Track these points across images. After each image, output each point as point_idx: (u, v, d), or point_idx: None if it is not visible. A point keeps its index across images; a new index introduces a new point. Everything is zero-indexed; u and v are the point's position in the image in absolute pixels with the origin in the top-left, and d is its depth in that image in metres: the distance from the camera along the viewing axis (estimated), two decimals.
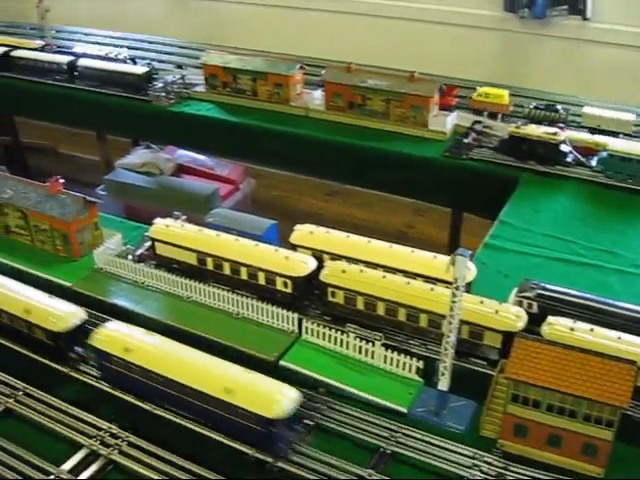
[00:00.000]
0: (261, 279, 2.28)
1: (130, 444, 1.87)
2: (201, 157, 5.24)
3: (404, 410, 1.99)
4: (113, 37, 5.35)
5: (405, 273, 2.28)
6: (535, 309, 2.17)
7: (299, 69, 3.99)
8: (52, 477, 1.80)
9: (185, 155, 5.24)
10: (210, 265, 2.35)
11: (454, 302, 1.81)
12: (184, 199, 4.67)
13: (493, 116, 3.72)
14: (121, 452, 1.86)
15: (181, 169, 5.10)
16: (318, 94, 3.98)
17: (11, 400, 2.04)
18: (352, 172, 3.89)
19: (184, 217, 2.57)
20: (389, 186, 3.93)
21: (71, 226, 2.52)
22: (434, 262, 2.30)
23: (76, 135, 6.43)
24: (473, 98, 3.77)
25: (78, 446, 1.89)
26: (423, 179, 3.64)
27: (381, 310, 2.19)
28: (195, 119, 4.02)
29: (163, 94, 4.09)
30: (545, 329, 2.01)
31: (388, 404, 2.01)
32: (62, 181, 2.60)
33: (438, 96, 3.76)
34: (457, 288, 1.78)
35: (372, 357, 2.13)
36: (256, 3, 5.63)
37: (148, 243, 2.54)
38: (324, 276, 2.22)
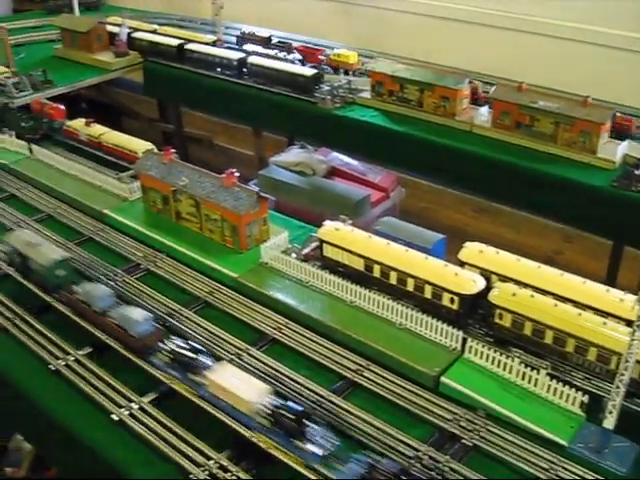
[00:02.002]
0: (427, 292, 2.26)
1: None
2: (353, 161, 5.26)
3: (564, 443, 1.94)
4: (279, 37, 5.43)
5: (575, 303, 2.21)
6: None
7: (468, 83, 3.94)
8: None
9: (338, 158, 5.28)
10: (377, 272, 2.35)
11: (634, 340, 1.74)
12: (335, 202, 4.69)
13: None
14: None
15: (333, 172, 5.14)
16: (484, 110, 3.93)
17: None
18: (507, 192, 3.81)
19: (350, 222, 2.58)
20: (543, 209, 3.83)
21: (242, 219, 2.58)
22: (607, 295, 2.22)
23: (232, 128, 6.60)
24: None
25: None
26: (584, 206, 3.52)
27: (549, 338, 2.13)
28: (358, 124, 4.04)
29: (329, 97, 4.13)
30: None
31: (548, 435, 1.96)
32: (237, 175, 2.67)
33: (610, 123, 3.64)
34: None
35: (535, 385, 2.07)
36: (422, 13, 5.60)
37: (314, 243, 2.56)
38: (493, 297, 2.18)
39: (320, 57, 4.68)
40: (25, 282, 2.58)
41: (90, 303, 2.30)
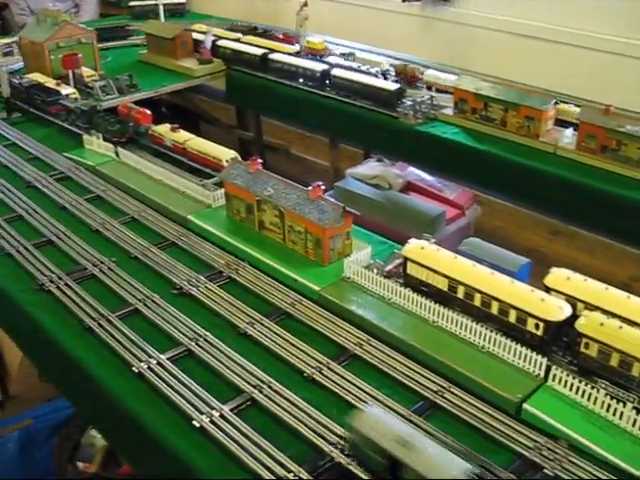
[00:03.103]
0: (512, 317, 2.23)
1: None
2: (429, 177, 5.25)
3: None
4: (360, 49, 5.45)
5: None
6: None
7: (553, 104, 3.89)
8: None
9: (414, 173, 5.27)
10: (461, 293, 2.33)
11: None
12: (410, 217, 4.69)
13: None
14: None
15: (409, 186, 5.13)
16: (569, 132, 3.87)
17: None
18: (587, 215, 3.75)
19: (433, 240, 2.56)
20: (624, 235, 3.76)
21: (327, 232, 2.59)
22: None
23: (307, 138, 6.64)
24: None
25: None
26: None
27: (636, 371, 2.08)
28: (440, 141, 4.03)
29: (411, 112, 4.13)
30: None
31: (632, 470, 1.91)
32: (323, 187, 2.68)
33: None
34: None
35: (620, 418, 2.03)
36: (507, 31, 5.56)
37: (397, 260, 2.56)
38: (580, 325, 2.15)
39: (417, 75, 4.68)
40: None
41: None
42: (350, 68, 4.71)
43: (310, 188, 2.66)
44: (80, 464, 3.81)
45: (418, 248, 2.44)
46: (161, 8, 6.45)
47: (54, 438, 4.09)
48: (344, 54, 5.17)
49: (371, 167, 5.15)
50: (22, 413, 4.21)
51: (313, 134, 6.54)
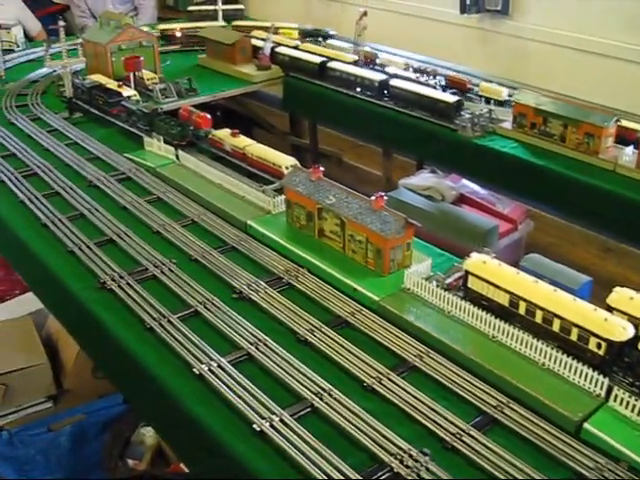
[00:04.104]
0: (573, 335, 2.23)
1: None
2: (482, 190, 5.24)
3: None
4: (418, 60, 5.45)
5: None
6: None
7: (614, 122, 3.86)
8: None
9: (467, 186, 5.27)
10: (522, 309, 2.32)
11: None
12: (462, 230, 4.69)
13: None
14: None
15: (462, 199, 5.13)
16: (629, 150, 3.84)
17: None
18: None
19: (493, 255, 2.56)
20: None
21: (388, 242, 2.60)
22: None
23: (359, 147, 6.67)
24: None
25: None
26: None
27: None
28: (498, 155, 4.01)
29: (469, 125, 4.12)
30: None
31: None
32: (385, 198, 2.70)
33: None
34: None
35: None
36: (565, 45, 5.52)
37: (458, 274, 2.56)
38: None
39: (469, 86, 4.68)
40: None
41: None
42: (408, 79, 4.71)
43: (372, 198, 2.67)
44: (130, 461, 3.88)
45: (480, 262, 2.44)
46: (220, 13, 6.54)
47: (104, 434, 4.16)
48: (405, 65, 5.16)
49: (424, 178, 5.16)
50: (75, 408, 4.28)
51: (365, 143, 6.56)
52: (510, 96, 4.35)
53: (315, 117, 5.81)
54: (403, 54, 5.55)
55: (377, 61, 5.22)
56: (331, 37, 5.83)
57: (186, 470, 3.75)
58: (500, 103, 4.47)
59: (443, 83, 4.73)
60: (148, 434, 4.08)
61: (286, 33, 5.50)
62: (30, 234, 3.24)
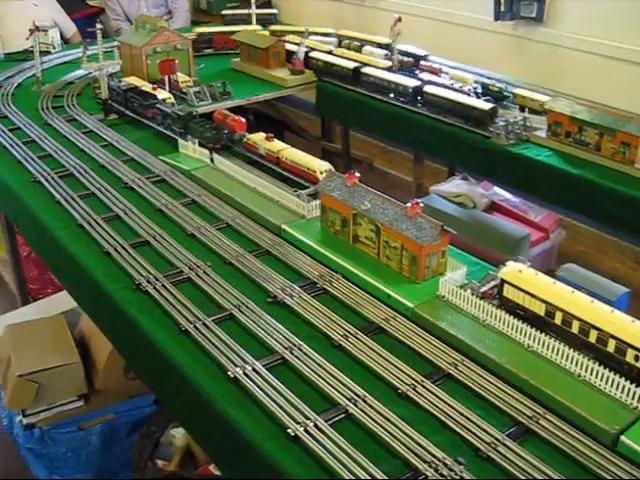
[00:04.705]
0: (610, 346, 2.21)
1: None
2: (514, 198, 5.22)
3: None
4: (452, 67, 5.44)
5: None
6: None
7: None
8: None
9: (499, 193, 5.25)
10: (558, 319, 2.31)
11: None
12: (494, 238, 4.67)
13: None
14: None
15: (493, 206, 5.11)
16: None
17: None
18: None
19: (529, 264, 2.55)
20: None
21: (424, 249, 2.60)
22: None
23: (390, 152, 6.67)
24: None
25: None
26: None
27: None
28: (532, 163, 4.00)
29: (504, 132, 4.11)
30: None
31: None
32: (422, 205, 2.70)
33: None
34: None
35: None
36: (601, 54, 5.47)
37: (493, 282, 2.55)
38: None
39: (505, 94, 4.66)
40: None
41: None
42: (443, 85, 4.70)
43: (408, 205, 2.67)
44: (159, 462, 3.90)
45: (516, 271, 2.43)
46: (254, 17, 6.56)
47: (134, 434, 4.19)
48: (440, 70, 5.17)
49: (456, 185, 5.15)
50: (105, 407, 4.32)
51: (396, 149, 6.56)
52: (544, 104, 4.31)
53: (348, 122, 5.81)
54: (437, 60, 5.53)
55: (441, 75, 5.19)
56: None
57: (215, 472, 3.79)
58: (535, 111, 4.44)
59: (479, 90, 4.70)
60: (178, 435, 4.10)
61: (372, 62, 5.34)
62: (66, 234, 3.27)
